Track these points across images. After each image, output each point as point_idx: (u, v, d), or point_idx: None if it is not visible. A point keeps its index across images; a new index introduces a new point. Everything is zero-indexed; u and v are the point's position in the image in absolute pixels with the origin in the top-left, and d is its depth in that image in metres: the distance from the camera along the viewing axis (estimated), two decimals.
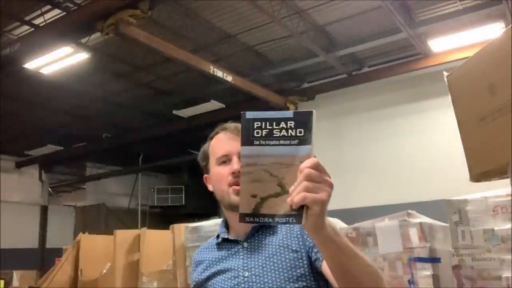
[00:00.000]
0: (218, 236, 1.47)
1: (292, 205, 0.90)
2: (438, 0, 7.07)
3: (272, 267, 1.29)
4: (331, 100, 9.66)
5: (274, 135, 0.92)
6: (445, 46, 7.76)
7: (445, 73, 1.70)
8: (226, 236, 1.40)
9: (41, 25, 7.17)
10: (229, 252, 1.38)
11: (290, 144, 0.92)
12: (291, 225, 1.19)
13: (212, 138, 1.45)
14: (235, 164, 1.32)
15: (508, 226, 2.16)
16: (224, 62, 8.60)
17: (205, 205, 14.76)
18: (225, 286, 1.31)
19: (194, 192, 14.98)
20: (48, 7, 6.95)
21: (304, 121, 0.93)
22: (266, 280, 1.27)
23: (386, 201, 7.59)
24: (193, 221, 5.53)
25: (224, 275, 1.34)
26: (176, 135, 11.83)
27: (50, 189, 14.50)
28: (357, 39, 8.05)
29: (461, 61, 1.67)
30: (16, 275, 9.37)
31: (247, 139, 0.93)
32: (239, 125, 1.30)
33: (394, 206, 5.30)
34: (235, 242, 1.38)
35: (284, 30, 7.62)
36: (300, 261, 1.29)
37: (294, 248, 1.31)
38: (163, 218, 14.23)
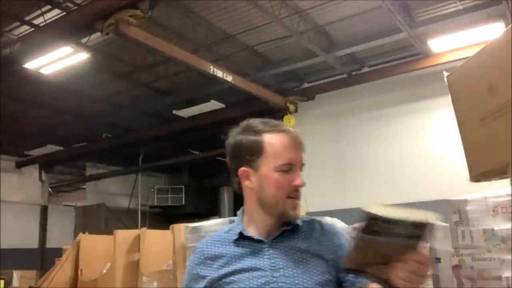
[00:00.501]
0: (228, 231, 1.41)
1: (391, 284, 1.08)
2: (438, 0, 7.07)
3: (302, 270, 1.28)
4: (331, 100, 9.65)
5: (392, 231, 1.06)
6: (445, 46, 7.76)
7: (445, 73, 1.70)
8: (249, 234, 1.34)
9: (41, 25, 7.17)
10: (251, 250, 1.33)
11: (403, 237, 1.06)
12: (323, 235, 1.38)
13: (268, 133, 1.33)
14: (299, 179, 1.31)
15: (508, 226, 2.16)
16: (224, 62, 8.60)
17: (205, 205, 14.78)
18: (252, 285, 1.26)
19: (194, 192, 14.99)
20: (48, 7, 6.95)
21: (423, 229, 1.08)
22: (297, 281, 1.26)
23: (386, 201, 7.55)
24: (193, 221, 5.53)
25: (248, 273, 1.28)
26: (176, 135, 11.83)
27: (50, 189, 14.50)
28: (357, 39, 8.04)
29: (461, 61, 1.67)
30: (16, 275, 9.37)
31: (368, 230, 1.06)
32: (297, 131, 1.36)
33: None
34: (259, 241, 1.33)
35: (284, 30, 7.62)
36: (331, 269, 1.31)
37: (325, 257, 1.32)
38: (163, 218, 14.22)
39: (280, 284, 1.25)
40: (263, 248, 1.32)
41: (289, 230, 1.33)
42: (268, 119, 1.39)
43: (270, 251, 1.31)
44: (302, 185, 1.31)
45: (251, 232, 1.35)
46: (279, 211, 1.31)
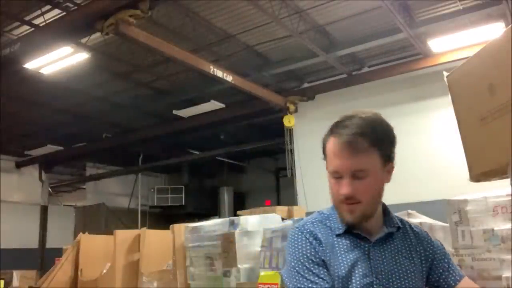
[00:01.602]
0: (329, 218, 1.37)
1: None
2: (438, 0, 7.06)
3: (401, 275, 1.28)
4: (331, 100, 9.65)
5: None
6: (445, 46, 7.76)
7: (445, 73, 1.70)
8: (355, 232, 1.31)
9: (41, 25, 7.17)
10: (357, 246, 1.30)
11: None
12: (417, 240, 1.39)
13: (330, 135, 1.35)
14: (345, 187, 1.26)
15: (508, 226, 2.16)
16: (224, 62, 8.60)
17: (205, 205, 14.78)
18: (357, 285, 1.25)
19: (194, 192, 15.00)
20: (48, 7, 6.95)
21: None
22: (395, 286, 1.27)
23: (386, 201, 7.53)
24: (193, 221, 5.54)
25: (355, 271, 1.26)
26: (176, 135, 11.84)
27: (50, 189, 14.51)
28: (357, 39, 8.04)
29: (461, 61, 1.67)
30: (16, 275, 9.37)
31: None
32: (352, 136, 1.26)
33: (394, 206, 5.29)
34: (364, 239, 1.31)
35: (284, 30, 7.62)
36: (424, 272, 1.34)
37: (419, 264, 1.34)
38: (163, 218, 14.24)
39: (381, 287, 1.25)
40: (367, 247, 1.30)
41: (391, 232, 1.34)
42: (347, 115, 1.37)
43: (373, 252, 1.30)
44: (346, 194, 1.26)
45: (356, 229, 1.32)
46: (343, 219, 1.32)
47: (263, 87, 9.26)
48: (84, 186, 15.78)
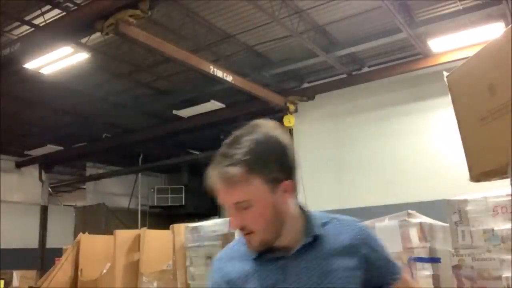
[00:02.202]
0: (239, 250, 1.32)
1: None
2: (438, 0, 7.06)
3: (324, 284, 1.21)
4: (331, 100, 9.66)
5: None
6: (445, 46, 7.76)
7: (445, 73, 1.70)
8: (269, 254, 1.25)
9: (41, 25, 7.16)
10: (274, 267, 1.23)
11: None
12: (345, 240, 1.28)
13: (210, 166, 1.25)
14: (232, 221, 1.23)
15: (508, 226, 2.16)
16: (224, 62, 8.60)
17: (205, 205, 14.77)
18: None
19: (194, 192, 14.98)
20: (48, 7, 6.95)
21: None
22: None
23: (386, 201, 7.58)
24: (193, 221, 5.54)
25: None
26: (176, 135, 11.83)
27: (50, 189, 14.50)
28: (357, 39, 8.04)
29: (461, 61, 1.67)
30: (16, 275, 9.37)
31: None
32: (222, 170, 1.17)
33: (394, 206, 5.30)
34: (279, 258, 1.25)
35: (284, 30, 7.61)
36: (356, 278, 1.25)
37: (349, 264, 1.25)
38: (163, 218, 14.23)
39: None
40: (285, 265, 1.23)
41: (310, 242, 1.25)
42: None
43: (291, 268, 1.23)
44: (233, 228, 1.24)
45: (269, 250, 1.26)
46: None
47: (263, 87, 9.26)
48: (84, 186, 15.78)
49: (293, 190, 1.26)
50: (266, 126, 1.25)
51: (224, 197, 1.20)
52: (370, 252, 1.29)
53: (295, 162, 1.26)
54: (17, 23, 7.41)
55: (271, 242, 1.22)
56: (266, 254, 1.24)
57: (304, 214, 1.33)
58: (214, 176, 1.19)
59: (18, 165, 13.70)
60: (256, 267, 1.24)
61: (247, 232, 1.21)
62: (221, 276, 1.29)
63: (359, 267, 1.25)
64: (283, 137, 1.24)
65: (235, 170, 1.16)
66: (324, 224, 1.31)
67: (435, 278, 2.67)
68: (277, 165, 1.21)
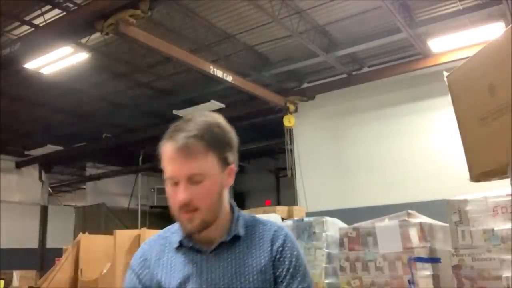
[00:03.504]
0: (172, 234, 1.35)
1: None
2: (438, 0, 7.06)
3: (238, 285, 1.22)
4: (331, 100, 9.66)
5: None
6: (445, 46, 7.76)
7: (445, 73, 1.70)
8: (189, 244, 1.28)
9: (41, 25, 7.16)
10: (191, 260, 1.27)
11: None
12: (264, 245, 1.28)
13: (164, 141, 1.26)
14: (182, 193, 1.20)
15: (508, 226, 2.16)
16: (224, 62, 8.60)
17: None
18: None
19: None
20: (48, 7, 6.95)
21: None
22: None
23: (386, 201, 7.59)
24: None
25: (187, 285, 1.23)
26: None
27: (50, 189, 14.51)
28: (357, 39, 8.04)
29: (461, 61, 1.67)
30: (16, 275, 9.37)
31: None
32: (185, 140, 1.20)
33: (394, 206, 5.30)
34: (199, 251, 1.27)
35: (284, 30, 7.62)
36: (268, 283, 1.24)
37: (263, 267, 1.25)
38: (163, 218, 14.17)
39: None
40: (202, 259, 1.26)
41: (228, 241, 1.27)
42: (179, 121, 1.28)
43: (209, 264, 1.25)
44: (183, 201, 1.20)
45: (192, 240, 1.28)
46: (182, 227, 1.26)
47: (263, 87, 9.26)
48: (84, 186, 15.78)
49: (233, 177, 1.30)
50: (214, 115, 1.31)
51: (179, 169, 1.20)
52: (280, 257, 1.27)
53: (238, 152, 1.31)
54: (17, 23, 7.41)
55: (209, 224, 1.24)
56: (186, 247, 1.28)
57: (232, 212, 1.34)
58: (171, 147, 1.21)
59: (18, 165, 13.70)
60: (174, 256, 1.28)
61: (191, 208, 1.21)
62: (141, 254, 1.35)
63: (273, 272, 1.25)
64: (229, 126, 1.30)
65: (195, 142, 1.20)
66: (248, 227, 1.32)
67: (435, 278, 2.67)
68: (228, 147, 1.27)
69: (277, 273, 1.25)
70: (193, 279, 1.23)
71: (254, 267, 1.25)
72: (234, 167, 1.29)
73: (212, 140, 1.22)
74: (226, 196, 1.30)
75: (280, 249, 1.27)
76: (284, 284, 1.24)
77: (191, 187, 1.21)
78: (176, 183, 1.22)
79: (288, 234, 1.32)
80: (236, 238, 1.28)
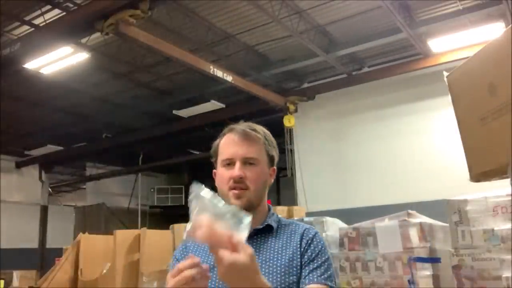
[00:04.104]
0: None
1: None
2: (438, 0, 7.06)
3: (266, 271, 1.32)
4: (331, 100, 9.66)
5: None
6: (445, 46, 7.76)
7: (445, 73, 1.70)
8: None
9: (41, 25, 7.16)
10: None
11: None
12: (294, 238, 1.40)
13: (222, 136, 1.46)
14: (237, 170, 1.36)
15: (508, 226, 2.16)
16: (224, 62, 8.60)
17: None
18: (216, 286, 1.29)
19: None
20: (48, 7, 6.95)
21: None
22: None
23: (386, 201, 7.58)
24: None
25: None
26: (176, 135, 11.83)
27: (50, 189, 14.50)
28: (357, 39, 8.04)
29: (461, 61, 1.67)
30: (16, 275, 9.37)
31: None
32: (247, 129, 1.42)
33: (394, 206, 5.30)
34: None
35: (284, 30, 7.62)
36: (294, 269, 1.33)
37: (291, 255, 1.35)
38: (163, 218, 14.22)
39: None
40: None
41: (260, 229, 1.39)
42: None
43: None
44: (238, 175, 1.35)
45: None
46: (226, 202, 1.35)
47: (263, 87, 9.26)
48: (84, 186, 15.78)
49: (274, 178, 1.49)
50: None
51: (239, 150, 1.39)
52: (308, 248, 1.38)
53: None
54: (17, 23, 7.41)
55: (253, 206, 1.37)
56: None
57: (269, 210, 1.49)
58: (237, 131, 1.42)
59: (18, 165, 13.70)
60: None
61: (242, 186, 1.36)
62: (183, 243, 1.48)
63: (300, 260, 1.36)
64: None
65: (254, 133, 1.43)
66: (282, 223, 1.46)
67: (435, 278, 2.67)
68: (274, 150, 1.50)
69: (303, 261, 1.36)
70: None
71: (283, 255, 1.36)
72: (275, 169, 1.49)
73: (266, 139, 1.45)
74: (266, 193, 1.46)
75: (309, 242, 1.39)
76: (307, 270, 1.34)
77: (245, 167, 1.38)
78: (230, 164, 1.39)
79: (318, 232, 1.45)
80: (269, 229, 1.41)
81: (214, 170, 1.46)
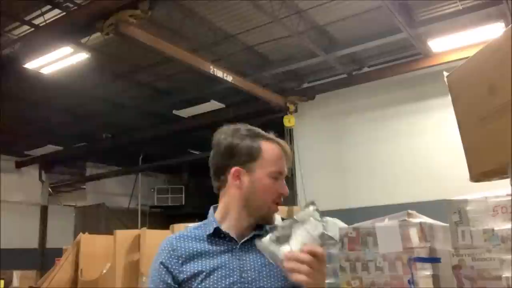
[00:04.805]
0: (198, 228, 1.46)
1: None
2: (438, 0, 7.06)
3: (267, 274, 1.33)
4: (331, 100, 9.66)
5: None
6: (445, 46, 7.76)
7: (445, 73, 1.70)
8: (225, 231, 1.38)
9: (41, 25, 7.16)
10: (223, 248, 1.37)
11: None
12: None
13: (265, 140, 1.43)
14: (285, 188, 1.43)
15: (508, 226, 2.16)
16: (224, 62, 8.60)
17: (205, 205, 14.77)
18: (221, 284, 1.30)
19: (194, 192, 14.98)
20: (48, 7, 6.94)
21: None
22: (261, 285, 1.31)
23: (386, 201, 7.59)
24: (193, 221, 5.53)
25: (218, 272, 1.32)
26: (176, 135, 11.83)
27: (50, 189, 14.49)
28: (357, 39, 8.04)
29: (461, 61, 1.67)
30: (16, 275, 9.37)
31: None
32: (287, 145, 1.48)
33: (394, 206, 5.31)
34: (232, 240, 1.38)
35: (284, 30, 7.61)
36: None
37: None
38: (163, 218, 14.23)
39: (246, 285, 1.31)
40: (234, 248, 1.37)
41: (260, 235, 1.36)
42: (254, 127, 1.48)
43: (241, 252, 1.36)
44: (287, 193, 1.43)
45: (226, 230, 1.39)
46: (262, 213, 1.39)
47: (263, 87, 9.26)
48: (84, 186, 15.77)
49: None
50: None
51: (285, 166, 1.45)
52: None
53: None
54: (17, 23, 7.40)
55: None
56: (216, 238, 1.39)
57: None
58: (280, 148, 1.45)
59: (18, 165, 13.69)
60: (207, 247, 1.38)
61: (281, 201, 1.44)
62: (169, 245, 1.40)
63: None
64: None
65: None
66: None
67: (435, 278, 2.67)
68: None
69: None
70: (224, 266, 1.33)
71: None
72: None
73: None
74: None
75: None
76: None
77: None
78: (278, 178, 1.42)
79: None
80: (266, 233, 1.40)
81: (239, 169, 1.39)
